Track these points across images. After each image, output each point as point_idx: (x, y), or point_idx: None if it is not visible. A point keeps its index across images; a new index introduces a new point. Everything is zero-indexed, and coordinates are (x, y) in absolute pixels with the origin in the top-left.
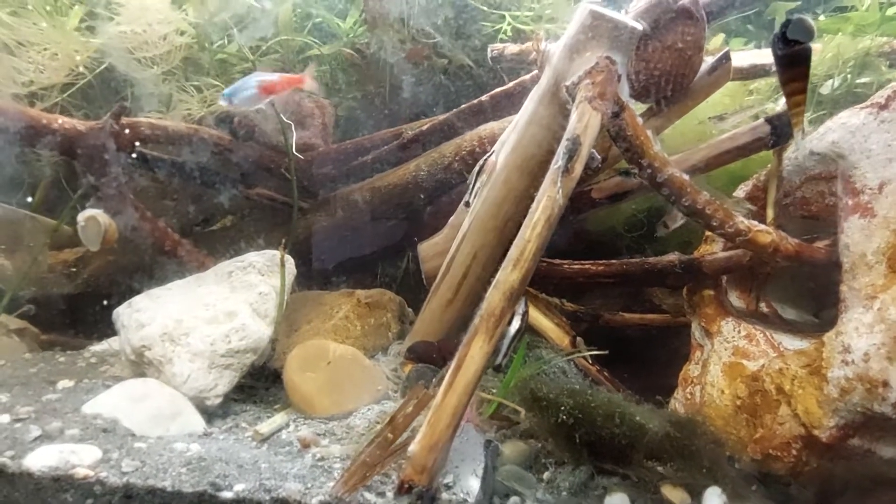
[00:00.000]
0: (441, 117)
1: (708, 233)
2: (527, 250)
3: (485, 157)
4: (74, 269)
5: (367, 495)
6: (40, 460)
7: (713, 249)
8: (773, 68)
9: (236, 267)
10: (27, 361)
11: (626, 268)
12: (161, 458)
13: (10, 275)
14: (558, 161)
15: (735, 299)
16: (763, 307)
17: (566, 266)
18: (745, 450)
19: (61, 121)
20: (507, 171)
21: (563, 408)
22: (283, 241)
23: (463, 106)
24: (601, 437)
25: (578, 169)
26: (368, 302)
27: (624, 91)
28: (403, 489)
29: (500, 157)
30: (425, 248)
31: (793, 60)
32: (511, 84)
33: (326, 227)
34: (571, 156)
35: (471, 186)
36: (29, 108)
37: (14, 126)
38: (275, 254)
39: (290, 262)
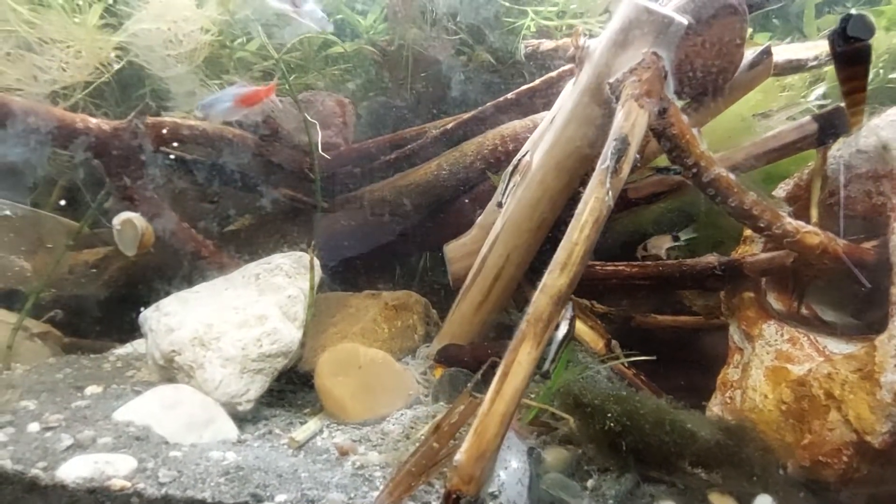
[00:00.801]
0: (466, 115)
1: (746, 234)
2: (574, 253)
3: (518, 157)
4: (95, 271)
5: None
6: (74, 471)
7: (753, 250)
8: (808, 63)
9: (263, 269)
10: (52, 366)
11: (662, 269)
12: (198, 467)
13: (30, 277)
14: (606, 161)
15: (774, 301)
16: (803, 310)
17: (599, 267)
18: (791, 456)
19: (86, 120)
20: (543, 171)
21: (610, 414)
22: (311, 243)
23: (488, 104)
24: (649, 445)
25: (626, 169)
26: (395, 304)
27: (669, 88)
28: (450, 499)
29: (536, 156)
30: (452, 248)
31: (853, 58)
32: (538, 81)
33: (347, 227)
34: (620, 156)
35: (503, 186)
36: (53, 107)
37: (39, 125)
38: (301, 255)
39: (316, 263)
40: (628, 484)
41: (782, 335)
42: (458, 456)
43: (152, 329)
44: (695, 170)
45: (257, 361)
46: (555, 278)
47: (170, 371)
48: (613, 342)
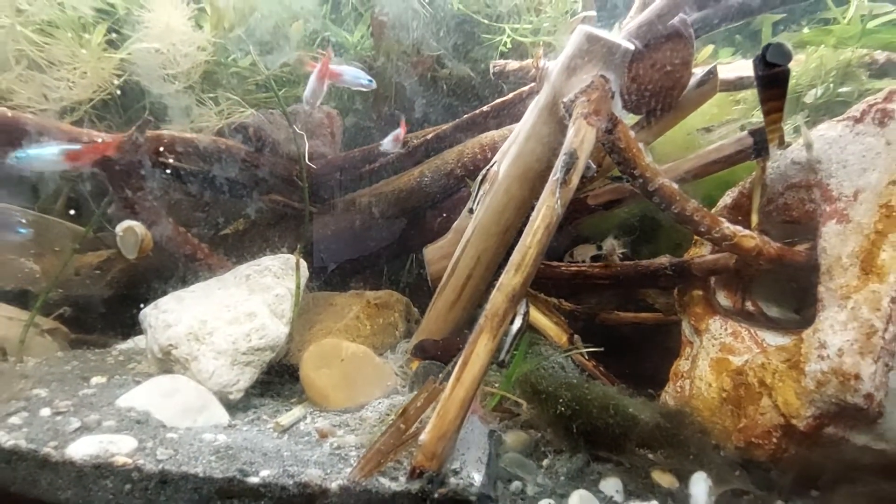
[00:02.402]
0: (444, 126)
1: (696, 237)
2: (528, 256)
3: (487, 167)
4: (99, 272)
5: (382, 480)
6: (82, 449)
7: (702, 252)
8: None
9: (253, 270)
10: (60, 359)
11: (620, 270)
12: (192, 447)
13: (39, 278)
14: (557, 173)
15: (723, 299)
16: (749, 306)
17: (564, 268)
18: (729, 439)
19: (91, 135)
20: (508, 181)
21: (561, 400)
22: (298, 246)
23: (465, 116)
24: (597, 427)
25: (575, 180)
26: (377, 302)
27: (617, 107)
28: (415, 474)
29: (502, 167)
30: (431, 251)
31: (771, 81)
32: (510, 95)
33: (335, 231)
34: (569, 168)
35: (474, 194)
36: (62, 124)
37: (50, 140)
38: (289, 257)
39: (302, 265)
40: (579, 463)
41: (726, 329)
42: (423, 436)
43: (151, 325)
44: (641, 180)
45: (247, 354)
46: (510, 278)
47: (167, 363)
48: (576, 336)
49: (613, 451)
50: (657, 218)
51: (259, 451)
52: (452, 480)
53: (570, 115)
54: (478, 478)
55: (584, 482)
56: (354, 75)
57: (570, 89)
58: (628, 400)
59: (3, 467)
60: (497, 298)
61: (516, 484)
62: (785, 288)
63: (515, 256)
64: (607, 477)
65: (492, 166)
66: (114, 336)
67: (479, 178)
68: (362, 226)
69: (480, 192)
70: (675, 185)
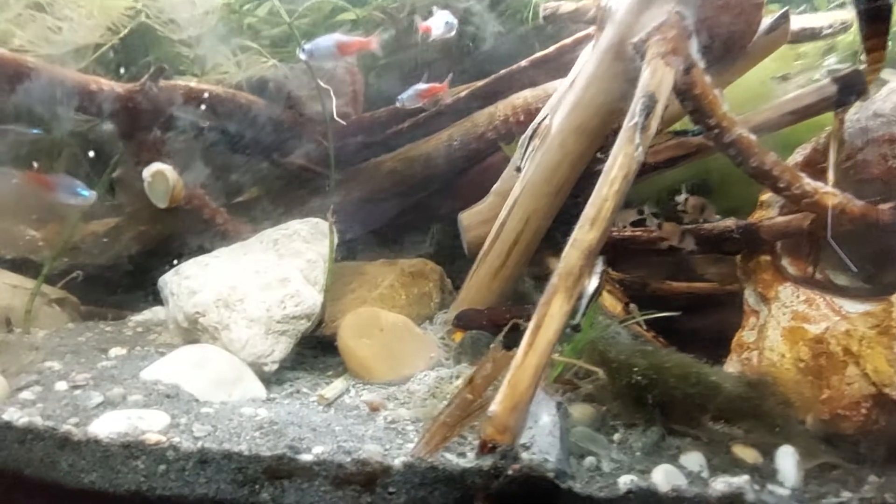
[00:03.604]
0: (479, 83)
1: (763, 198)
2: (604, 208)
3: (538, 121)
4: (106, 241)
5: (448, 456)
6: (107, 427)
7: (769, 215)
8: (822, 32)
9: (281, 234)
10: (72, 331)
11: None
12: (231, 422)
13: (42, 246)
14: (635, 117)
15: (788, 266)
16: (816, 274)
17: (615, 233)
18: (810, 411)
19: (100, 82)
20: (563, 135)
21: (636, 368)
22: (331, 207)
23: (502, 71)
24: (673, 398)
25: (654, 126)
26: (412, 271)
27: (693, 48)
28: (486, 449)
29: (556, 120)
30: (467, 216)
31: (874, 16)
32: (552, 48)
33: (357, 199)
34: (648, 112)
35: (522, 151)
36: (67, 69)
37: (53, 87)
38: (318, 221)
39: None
40: (654, 437)
41: (798, 296)
42: (493, 407)
43: (173, 292)
44: (717, 131)
45: (282, 323)
46: (585, 233)
47: (193, 333)
48: (632, 305)
49: (689, 424)
50: (709, 179)
51: (307, 426)
52: (525, 455)
53: (643, 56)
54: (553, 452)
55: (662, 457)
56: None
57: (641, 28)
58: (710, 368)
59: (16, 448)
60: (571, 256)
61: (590, 460)
62: (852, 254)
63: (590, 209)
64: (687, 451)
65: (543, 120)
66: (127, 307)
67: (529, 133)
68: (386, 193)
69: (530, 149)
70: (753, 137)
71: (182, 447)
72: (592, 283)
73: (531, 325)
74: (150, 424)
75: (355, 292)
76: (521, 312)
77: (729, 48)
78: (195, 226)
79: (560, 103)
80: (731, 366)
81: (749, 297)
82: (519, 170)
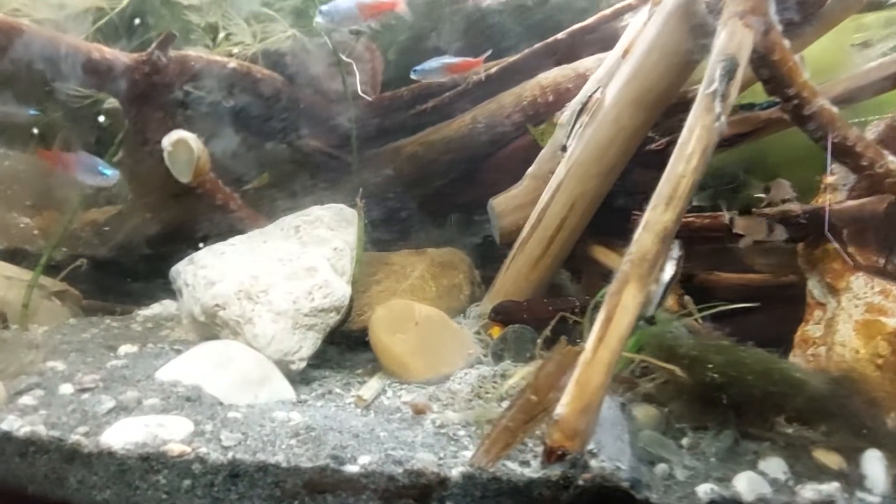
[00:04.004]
0: (511, 59)
1: (828, 181)
2: (681, 186)
3: (587, 94)
4: (108, 229)
5: (510, 465)
6: (122, 436)
7: (836, 199)
8: (889, 1)
9: (303, 221)
10: (75, 327)
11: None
12: (263, 428)
13: (37, 235)
14: (713, 83)
15: (854, 253)
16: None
17: None
18: (892, 410)
19: (102, 50)
20: (618, 109)
21: (710, 365)
22: (360, 191)
23: (537, 45)
24: (751, 398)
25: (734, 93)
26: (441, 261)
27: (772, 8)
28: (553, 457)
29: (609, 92)
30: (501, 202)
31: None
32: (592, 20)
33: (375, 185)
34: (729, 77)
35: (569, 129)
36: (65, 35)
37: (49, 55)
38: (342, 207)
39: (355, 216)
40: (728, 441)
41: (873, 287)
42: (560, 409)
43: (188, 283)
44: (796, 101)
45: (309, 317)
46: (659, 214)
47: (211, 328)
48: (686, 297)
49: (763, 426)
50: (759, 161)
51: (348, 432)
52: (594, 464)
53: (719, 16)
54: (625, 458)
55: (739, 463)
56: None
57: None
58: (793, 365)
59: (16, 462)
60: (644, 240)
61: (661, 467)
62: None
63: (665, 188)
64: (766, 457)
65: (594, 93)
66: (132, 301)
67: (576, 108)
68: (406, 179)
69: (577, 126)
70: (836, 109)
71: (210, 459)
72: (668, 271)
73: (601, 317)
74: (172, 433)
75: (382, 284)
76: (566, 305)
77: (804, 10)
78: (206, 213)
79: (612, 74)
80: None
81: (814, 288)
82: (564, 149)
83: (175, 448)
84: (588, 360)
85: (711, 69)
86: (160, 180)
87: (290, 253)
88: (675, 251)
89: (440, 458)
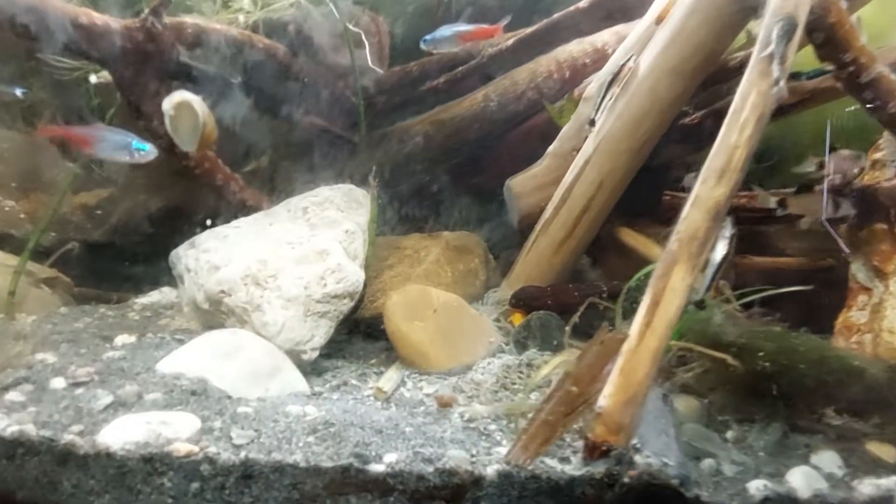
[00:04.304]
0: (528, 31)
1: (875, 157)
2: (735, 158)
3: (619, 64)
4: (100, 213)
5: (549, 462)
6: (122, 435)
7: (886, 176)
8: None
9: (311, 202)
10: (66, 316)
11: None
12: (277, 424)
13: (23, 219)
14: (770, 46)
15: None
16: None
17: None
18: None
19: (91, 15)
20: (653, 78)
21: (761, 353)
22: (373, 170)
23: (555, 15)
24: (802, 388)
25: (792, 56)
26: (457, 245)
27: None
28: (596, 452)
29: (644, 61)
30: (519, 182)
31: None
32: None
33: (383, 167)
34: (788, 39)
35: (597, 102)
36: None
37: (30, 18)
38: (351, 188)
39: (366, 197)
40: (777, 434)
41: None
42: (603, 401)
43: (190, 268)
44: (851, 68)
45: (322, 303)
46: (710, 188)
47: (216, 315)
48: (723, 282)
49: (812, 417)
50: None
51: (370, 428)
52: (639, 460)
53: None
54: (671, 454)
55: (790, 457)
56: None
57: None
58: (851, 353)
59: (4, 465)
60: (694, 217)
61: (708, 462)
62: None
63: (717, 160)
64: (818, 450)
65: (626, 63)
66: (128, 288)
67: (607, 78)
68: (416, 160)
69: (607, 98)
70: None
71: (220, 459)
72: (719, 250)
73: (646, 301)
74: (177, 430)
75: (394, 268)
76: (593, 290)
77: None
78: (206, 195)
79: (645, 42)
80: None
81: (858, 271)
82: (593, 123)
83: (181, 447)
84: (633, 348)
85: (767, 30)
86: (157, 159)
87: (298, 235)
88: (728, 229)
89: (473, 456)
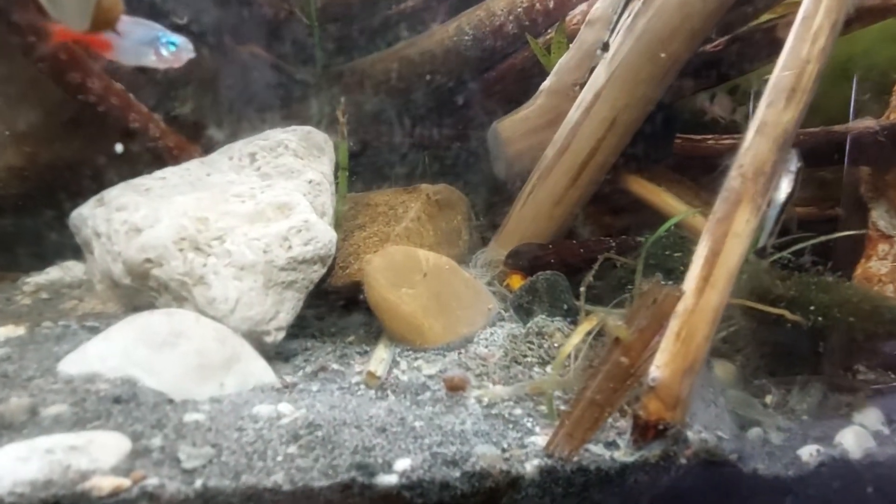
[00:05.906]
0: None
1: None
2: (806, 75)
3: None
4: None
5: (593, 449)
6: (8, 473)
7: None
8: None
9: (260, 146)
10: None
11: (805, 138)
12: (243, 434)
13: None
14: None
15: None
16: None
17: (712, 142)
18: None
19: None
20: None
21: (813, 307)
22: (341, 101)
23: None
24: (853, 342)
25: None
26: (438, 199)
27: None
28: (650, 432)
29: None
30: (508, 126)
31: None
32: None
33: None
34: None
35: (613, 21)
36: None
37: None
38: (310, 130)
39: (328, 142)
40: (818, 394)
41: None
42: (656, 372)
43: (100, 233)
44: None
45: (287, 271)
46: (778, 112)
47: (142, 293)
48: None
49: (846, 375)
50: None
51: (370, 426)
52: (691, 436)
53: None
54: (725, 427)
55: (834, 418)
56: None
57: None
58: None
59: None
60: (761, 147)
61: (755, 431)
62: None
63: (784, 80)
64: (860, 408)
65: None
66: (15, 266)
67: None
68: (379, 102)
69: (625, 17)
70: None
71: (165, 493)
72: (783, 188)
73: (701, 251)
74: (96, 458)
75: (367, 228)
76: (601, 247)
77: None
78: (115, 142)
79: None
80: None
81: (879, 218)
82: (606, 47)
83: (104, 483)
84: (690, 308)
85: None
86: (46, 99)
87: (250, 187)
88: (794, 162)
89: (504, 451)
